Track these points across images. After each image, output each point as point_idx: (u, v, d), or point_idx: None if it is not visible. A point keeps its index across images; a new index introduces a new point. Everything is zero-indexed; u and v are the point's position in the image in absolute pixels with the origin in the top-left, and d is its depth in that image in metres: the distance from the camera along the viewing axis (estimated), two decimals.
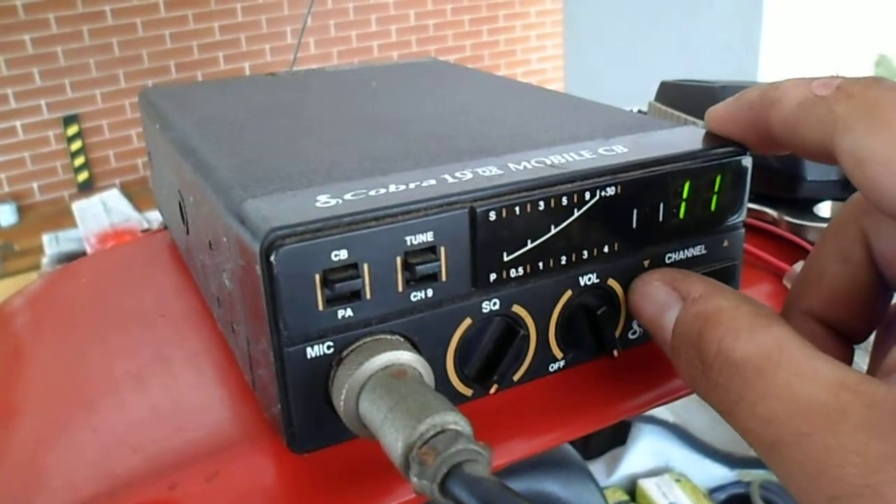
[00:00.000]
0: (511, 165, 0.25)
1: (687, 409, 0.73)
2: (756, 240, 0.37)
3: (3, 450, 0.28)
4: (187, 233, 0.33)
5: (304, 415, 0.22)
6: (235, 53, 2.81)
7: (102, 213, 2.09)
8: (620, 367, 0.28)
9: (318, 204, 0.22)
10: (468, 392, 0.25)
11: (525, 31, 3.29)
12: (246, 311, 0.24)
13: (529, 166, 0.25)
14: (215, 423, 0.26)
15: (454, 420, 0.19)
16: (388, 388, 0.21)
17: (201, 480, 0.23)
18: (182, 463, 0.24)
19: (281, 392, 0.22)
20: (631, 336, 0.28)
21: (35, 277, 2.16)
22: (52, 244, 2.12)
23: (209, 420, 0.26)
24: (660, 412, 0.65)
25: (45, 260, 2.09)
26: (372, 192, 0.23)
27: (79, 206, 2.13)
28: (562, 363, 0.26)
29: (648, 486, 0.65)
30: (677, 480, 0.66)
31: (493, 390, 0.25)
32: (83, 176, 2.61)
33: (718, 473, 0.67)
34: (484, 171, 0.24)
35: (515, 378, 0.26)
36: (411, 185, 0.23)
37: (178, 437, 0.25)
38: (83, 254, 1.95)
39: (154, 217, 2.06)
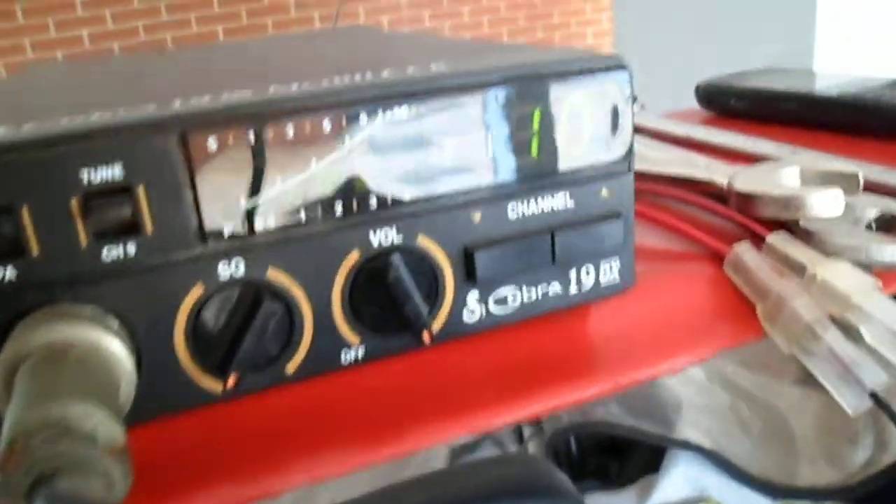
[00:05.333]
0: (272, 89, 0.19)
1: (724, 434, 0.64)
2: (701, 218, 0.30)
3: None
4: None
5: None
6: None
7: None
8: (441, 362, 0.21)
9: None
10: (216, 388, 0.19)
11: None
12: None
13: (295, 89, 0.19)
14: None
15: (85, 413, 0.14)
16: (34, 373, 0.15)
17: None
18: None
19: None
20: (468, 321, 0.21)
21: None
22: None
23: None
24: (695, 437, 0.57)
25: None
26: (64, 122, 0.17)
27: None
28: (360, 352, 0.20)
29: None
30: None
31: (230, 383, 0.18)
32: None
33: (759, 503, 0.59)
34: (232, 96, 0.19)
35: (290, 370, 0.19)
36: (121, 112, 0.18)
37: None
38: None
39: None
